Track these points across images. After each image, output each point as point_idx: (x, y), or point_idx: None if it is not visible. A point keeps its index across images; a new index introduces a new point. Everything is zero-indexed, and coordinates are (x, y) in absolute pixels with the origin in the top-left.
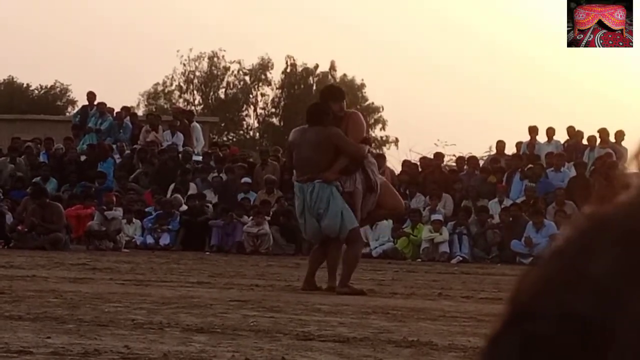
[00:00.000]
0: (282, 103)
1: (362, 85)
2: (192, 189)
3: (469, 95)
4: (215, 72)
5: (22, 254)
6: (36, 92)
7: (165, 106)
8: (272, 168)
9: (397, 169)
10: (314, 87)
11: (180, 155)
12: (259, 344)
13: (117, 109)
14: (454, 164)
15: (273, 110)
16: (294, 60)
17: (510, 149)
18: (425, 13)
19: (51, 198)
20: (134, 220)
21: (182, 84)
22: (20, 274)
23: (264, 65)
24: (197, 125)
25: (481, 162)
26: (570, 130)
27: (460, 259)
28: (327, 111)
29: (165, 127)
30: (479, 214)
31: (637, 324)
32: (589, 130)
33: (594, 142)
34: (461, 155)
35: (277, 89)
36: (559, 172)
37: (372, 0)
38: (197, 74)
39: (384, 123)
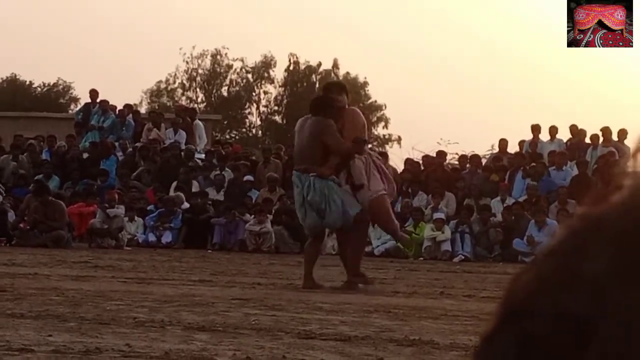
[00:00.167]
0: (284, 101)
1: (365, 84)
2: (195, 186)
3: (471, 94)
4: (218, 69)
5: (25, 251)
6: (39, 89)
7: (168, 104)
8: (274, 166)
9: (400, 167)
10: (317, 85)
11: (182, 153)
12: (260, 342)
13: (119, 107)
14: (457, 162)
15: (276, 108)
16: (296, 58)
17: (512, 148)
18: (427, 13)
19: (53, 196)
20: (136, 218)
21: (184, 81)
22: (23, 272)
23: (267, 63)
24: (200, 123)
25: (484, 161)
26: (573, 128)
27: (463, 257)
28: (330, 103)
29: (167, 124)
30: (481, 212)
31: (622, 320)
32: (591, 129)
33: (597, 141)
34: (464, 153)
35: (279, 86)
36: (561, 171)
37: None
38: (200, 71)
39: (386, 121)
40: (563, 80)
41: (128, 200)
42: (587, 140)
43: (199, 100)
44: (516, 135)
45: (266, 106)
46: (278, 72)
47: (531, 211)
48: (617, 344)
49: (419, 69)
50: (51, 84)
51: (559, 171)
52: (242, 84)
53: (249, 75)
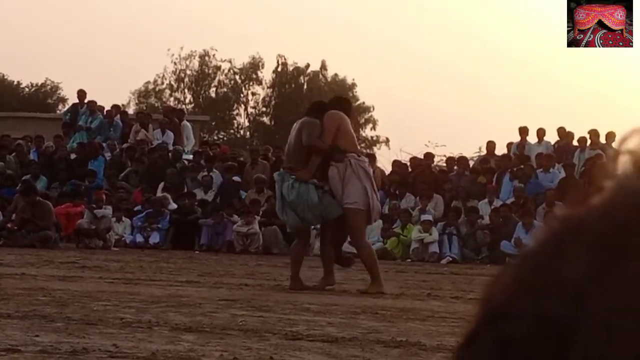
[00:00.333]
0: (272, 102)
1: (353, 85)
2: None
3: (461, 96)
4: (206, 70)
5: (12, 251)
6: (27, 89)
7: (156, 105)
8: (262, 167)
9: (388, 169)
10: (305, 87)
11: (170, 154)
12: (247, 343)
13: (107, 107)
14: (444, 164)
15: (264, 109)
16: (285, 59)
17: (501, 150)
18: (420, 13)
19: (40, 196)
20: (123, 218)
21: (173, 82)
22: (10, 272)
23: (255, 64)
24: (188, 124)
25: (471, 163)
26: (561, 131)
27: (450, 259)
28: (324, 107)
29: (155, 125)
30: (468, 214)
31: (602, 322)
32: (581, 131)
33: (585, 144)
34: (451, 155)
35: (267, 88)
36: (548, 173)
37: (363, 0)
38: (188, 72)
39: (374, 123)
40: (563, 81)
41: (115, 201)
42: (575, 142)
43: (187, 101)
44: (506, 138)
45: (254, 107)
46: (266, 74)
47: (519, 213)
48: (598, 345)
49: (408, 70)
50: (39, 84)
51: (546, 173)
52: (230, 85)
53: (237, 77)
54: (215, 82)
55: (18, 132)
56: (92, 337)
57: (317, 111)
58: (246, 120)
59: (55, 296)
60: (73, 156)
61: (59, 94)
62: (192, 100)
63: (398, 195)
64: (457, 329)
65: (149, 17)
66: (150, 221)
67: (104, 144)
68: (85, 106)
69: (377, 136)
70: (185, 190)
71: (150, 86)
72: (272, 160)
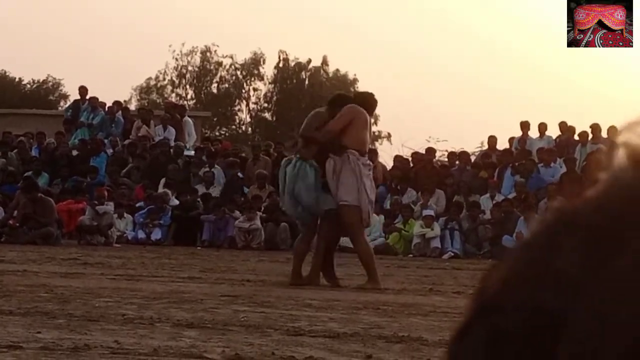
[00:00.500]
0: (274, 98)
1: (355, 81)
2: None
3: (463, 92)
4: (207, 66)
5: (13, 248)
6: (28, 86)
7: (158, 101)
8: (263, 163)
9: (389, 164)
10: (306, 82)
11: (171, 150)
12: (249, 339)
13: (109, 104)
14: (446, 159)
15: (265, 105)
16: (286, 55)
17: (503, 145)
18: (420, 10)
19: (42, 192)
20: (125, 215)
21: (174, 78)
22: (12, 269)
23: (257, 60)
24: (189, 119)
25: (473, 158)
26: (562, 125)
27: (452, 254)
28: (346, 101)
29: (157, 121)
30: (470, 209)
31: (596, 314)
32: (582, 126)
33: (586, 138)
34: (453, 150)
35: (269, 83)
36: (549, 168)
37: None
38: (190, 68)
39: (376, 118)
40: (563, 81)
41: (117, 197)
42: (577, 137)
43: (189, 97)
44: (507, 133)
45: (256, 103)
46: (268, 69)
47: (520, 208)
48: (591, 338)
49: (409, 66)
50: (41, 80)
51: (547, 168)
52: (231, 81)
53: (239, 72)
54: (217, 78)
55: (20, 129)
56: (94, 333)
57: (338, 104)
58: (248, 116)
59: (57, 293)
60: (75, 153)
61: (61, 90)
62: (193, 96)
63: (400, 190)
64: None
65: (151, 14)
66: (152, 217)
67: (106, 141)
68: (86, 102)
69: (378, 131)
70: (193, 186)
71: (152, 82)
72: (274, 156)
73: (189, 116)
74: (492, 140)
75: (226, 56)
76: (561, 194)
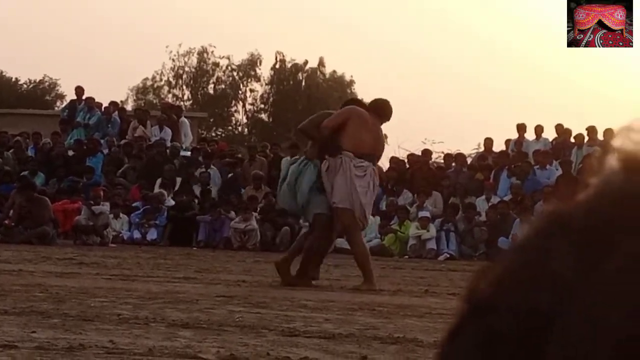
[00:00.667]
0: (271, 99)
1: (352, 82)
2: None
3: (463, 93)
4: (204, 67)
5: (9, 248)
6: (25, 86)
7: (154, 101)
8: (259, 164)
9: (385, 165)
10: (303, 83)
11: (168, 150)
12: (244, 339)
13: (105, 104)
14: (442, 161)
15: (262, 106)
16: (283, 56)
17: (499, 147)
18: (419, 10)
19: (38, 192)
20: (121, 215)
21: (171, 79)
22: (7, 268)
23: (253, 61)
24: (186, 120)
25: (469, 160)
26: (559, 128)
27: (448, 256)
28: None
29: (153, 122)
30: (466, 211)
31: (588, 317)
32: (579, 128)
33: (582, 140)
34: (449, 152)
35: (266, 84)
36: (546, 170)
37: None
38: (186, 69)
39: None
40: (563, 81)
41: (113, 197)
42: (573, 139)
43: (185, 97)
44: (503, 135)
45: (252, 104)
46: (264, 70)
47: (516, 210)
48: (583, 340)
49: (407, 67)
50: (37, 80)
51: (543, 170)
52: (228, 82)
53: (235, 73)
54: (214, 79)
55: (16, 129)
56: (89, 333)
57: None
58: (244, 117)
59: (53, 292)
60: (71, 153)
61: (57, 90)
62: (190, 96)
63: (395, 191)
64: None
65: (148, 14)
66: (148, 217)
67: (102, 141)
68: (83, 103)
69: None
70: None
71: (149, 83)
72: (270, 157)
73: (185, 117)
74: (489, 142)
75: (223, 57)
76: (557, 196)
